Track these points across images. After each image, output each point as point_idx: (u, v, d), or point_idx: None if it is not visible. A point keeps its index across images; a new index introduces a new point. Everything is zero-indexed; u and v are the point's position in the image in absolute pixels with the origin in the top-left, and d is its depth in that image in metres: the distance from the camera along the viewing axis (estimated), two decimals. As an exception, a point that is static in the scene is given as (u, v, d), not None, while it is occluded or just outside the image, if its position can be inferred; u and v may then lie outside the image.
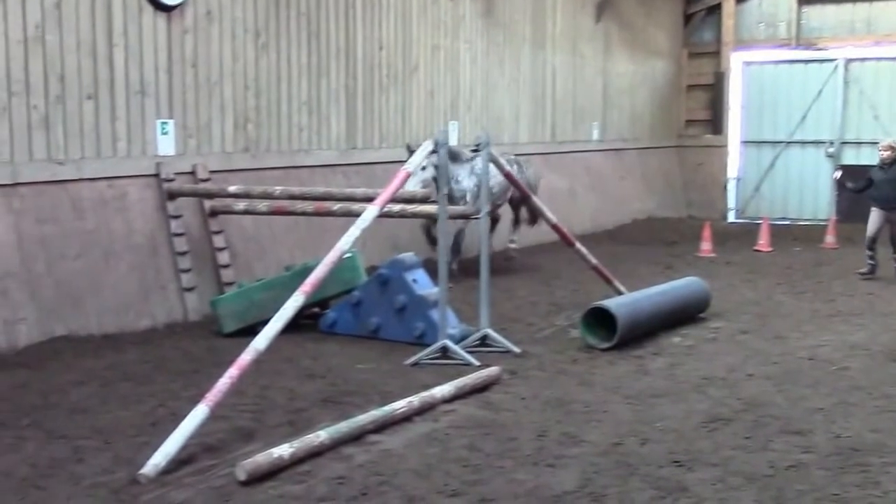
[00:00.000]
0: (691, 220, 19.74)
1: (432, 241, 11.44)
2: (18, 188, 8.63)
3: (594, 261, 10.01)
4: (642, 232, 17.74)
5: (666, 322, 9.30)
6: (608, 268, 10.37)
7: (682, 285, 10.00)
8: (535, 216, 12.96)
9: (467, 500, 5.14)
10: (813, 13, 20.19)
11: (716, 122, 21.05)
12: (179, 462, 5.54)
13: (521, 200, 12.85)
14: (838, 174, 13.98)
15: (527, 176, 12.61)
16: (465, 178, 11.59)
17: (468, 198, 11.45)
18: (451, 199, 10.75)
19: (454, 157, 11.29)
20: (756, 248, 15.43)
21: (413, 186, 10.14)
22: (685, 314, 9.69)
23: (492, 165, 11.20)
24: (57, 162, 8.95)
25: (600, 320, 8.61)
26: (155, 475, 5.36)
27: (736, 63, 20.83)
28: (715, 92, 20.99)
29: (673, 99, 21.19)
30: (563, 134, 17.37)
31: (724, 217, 20.59)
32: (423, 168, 10.43)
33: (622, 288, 10.16)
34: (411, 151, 10.76)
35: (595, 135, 18.43)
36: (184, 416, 5.80)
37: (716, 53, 21.01)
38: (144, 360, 8.07)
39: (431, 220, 11.04)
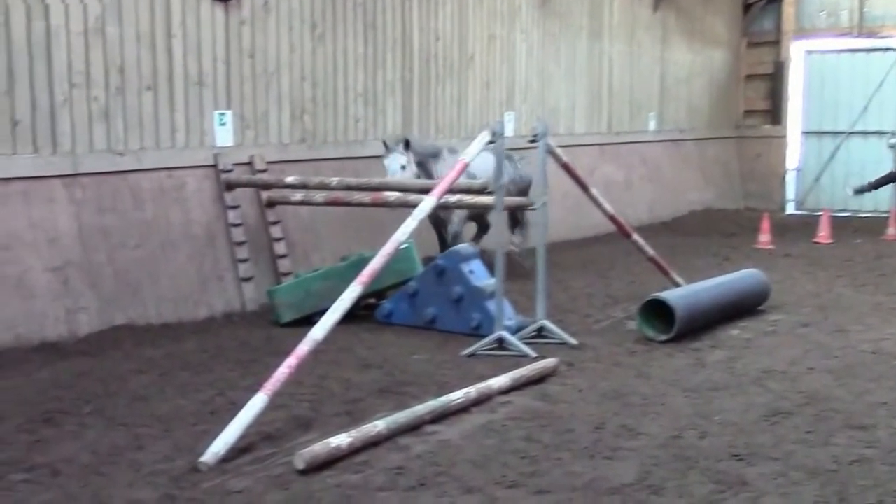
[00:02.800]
0: (749, 211, 19.49)
1: (442, 241, 11.01)
2: (79, 178, 8.74)
3: (651, 252, 9.93)
4: (699, 223, 17.56)
5: (724, 315, 9.20)
6: (665, 259, 10.29)
7: (740, 277, 9.88)
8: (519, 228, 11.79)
9: (525, 491, 5.12)
10: (876, 1, 19.80)
11: (775, 113, 20.74)
12: (238, 450, 5.58)
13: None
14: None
15: (520, 173, 11.34)
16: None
17: None
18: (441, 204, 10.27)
19: (434, 154, 10.71)
20: (816, 240, 15.20)
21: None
22: (744, 307, 9.58)
23: (485, 158, 10.83)
24: (117, 153, 9.05)
25: (658, 312, 8.54)
26: (214, 463, 5.41)
27: (796, 52, 20.52)
28: (774, 82, 20.69)
29: (731, 89, 20.92)
30: (619, 124, 17.24)
31: (783, 208, 20.30)
32: (403, 167, 10.15)
33: (680, 280, 10.07)
34: (387, 147, 10.28)
35: (652, 125, 18.27)
36: (242, 405, 5.84)
37: (776, 43, 20.68)
38: (203, 350, 8.15)
39: (438, 218, 10.70)
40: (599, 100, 16.63)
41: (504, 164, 10.93)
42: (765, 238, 14.67)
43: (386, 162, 10.28)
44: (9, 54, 8.21)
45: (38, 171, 8.43)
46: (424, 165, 10.47)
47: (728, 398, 6.82)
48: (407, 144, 10.28)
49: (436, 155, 10.70)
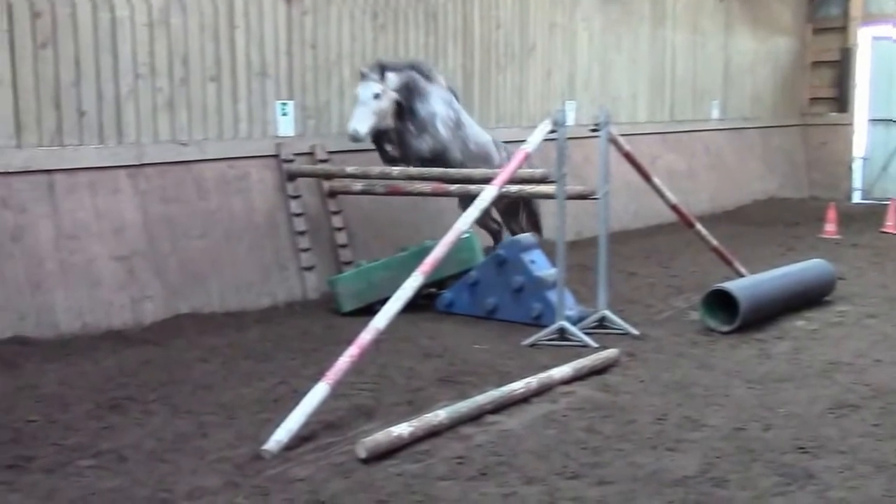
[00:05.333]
0: (814, 200, 19.18)
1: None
2: (144, 169, 8.86)
3: (714, 242, 9.82)
4: (763, 213, 17.31)
5: (789, 305, 9.07)
6: (728, 249, 10.16)
7: (806, 267, 9.73)
8: (538, 227, 10.91)
9: (587, 482, 5.09)
10: (947, -14, 19.38)
11: (841, 100, 20.37)
12: (301, 439, 5.62)
13: (518, 205, 10.89)
14: None
15: (503, 158, 10.35)
16: (437, 104, 9.90)
17: (438, 125, 9.86)
18: (415, 123, 9.76)
19: (426, 75, 9.93)
20: (883, 229, 14.93)
21: (362, 117, 9.35)
22: (809, 297, 9.43)
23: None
24: (181, 143, 9.15)
25: (721, 303, 8.45)
26: (277, 451, 5.45)
27: (864, 39, 20.13)
28: (841, 69, 20.31)
29: (796, 76, 20.58)
30: (682, 113, 17.05)
31: (849, 198, 19.93)
32: (376, 96, 9.39)
33: (743, 270, 9.94)
34: (362, 75, 9.57)
35: (715, 114, 18.04)
36: (304, 394, 5.87)
37: (842, 29, 20.28)
38: (265, 338, 8.21)
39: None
40: (662, 88, 16.47)
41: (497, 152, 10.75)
42: (830, 228, 14.44)
43: (357, 90, 9.57)
44: (76, 46, 8.34)
45: (103, 162, 8.57)
46: (408, 93, 9.74)
47: (793, 390, 6.73)
48: (383, 71, 9.50)
49: (428, 77, 9.95)
